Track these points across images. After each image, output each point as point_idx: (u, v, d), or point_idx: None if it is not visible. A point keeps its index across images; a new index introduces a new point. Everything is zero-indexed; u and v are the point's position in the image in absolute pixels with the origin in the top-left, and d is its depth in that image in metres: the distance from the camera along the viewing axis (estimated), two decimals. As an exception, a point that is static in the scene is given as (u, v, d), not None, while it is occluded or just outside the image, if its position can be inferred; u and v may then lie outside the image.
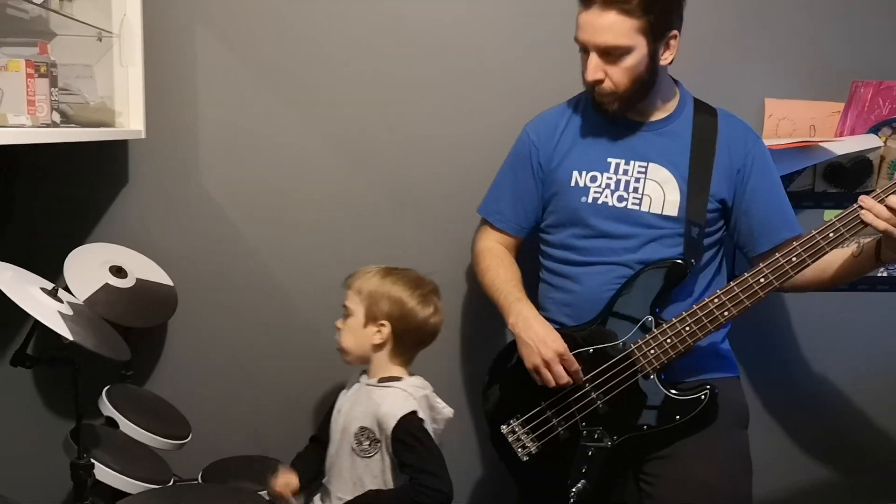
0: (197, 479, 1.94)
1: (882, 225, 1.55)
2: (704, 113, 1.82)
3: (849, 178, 2.18)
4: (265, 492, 1.85)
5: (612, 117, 1.78)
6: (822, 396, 2.33)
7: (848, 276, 1.75)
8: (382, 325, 1.78)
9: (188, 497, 1.60)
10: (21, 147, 1.98)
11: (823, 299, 2.24)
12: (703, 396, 1.70)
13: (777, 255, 1.66)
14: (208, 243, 2.14)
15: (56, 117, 1.65)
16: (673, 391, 1.72)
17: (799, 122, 2.15)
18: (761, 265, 1.67)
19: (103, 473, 1.66)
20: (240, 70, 2.09)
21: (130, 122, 1.96)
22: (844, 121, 2.12)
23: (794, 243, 1.65)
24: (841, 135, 2.13)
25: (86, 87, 1.84)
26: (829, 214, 2.20)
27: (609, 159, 1.80)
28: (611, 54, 1.68)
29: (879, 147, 2.12)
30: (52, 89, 1.62)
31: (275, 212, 2.15)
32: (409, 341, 1.81)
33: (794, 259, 1.64)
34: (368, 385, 1.80)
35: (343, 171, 2.15)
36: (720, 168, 1.78)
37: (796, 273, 1.65)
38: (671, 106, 1.82)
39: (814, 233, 1.64)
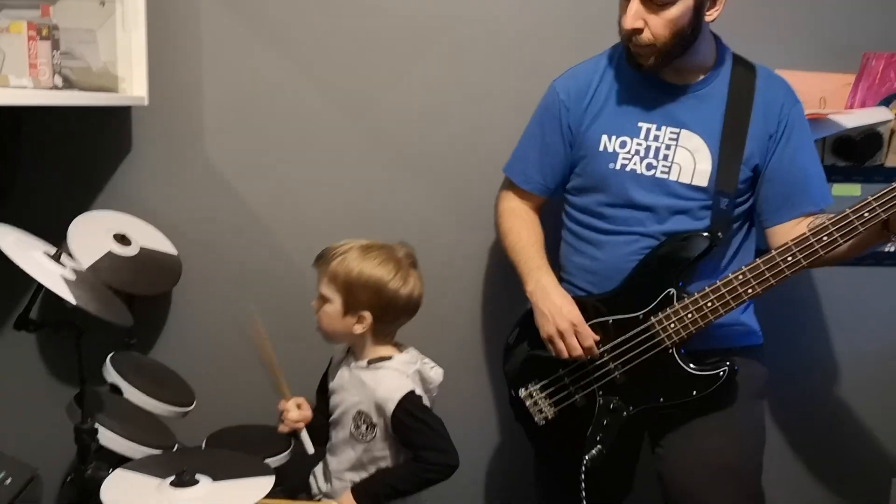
0: (201, 447, 1.95)
1: None
2: (743, 71, 1.75)
3: (858, 151, 2.15)
4: (274, 458, 1.87)
5: (645, 73, 1.71)
6: (836, 369, 2.32)
7: (856, 249, 1.66)
8: (363, 315, 1.73)
9: (193, 462, 1.59)
10: (24, 111, 1.97)
11: (839, 273, 2.24)
12: (721, 373, 1.67)
13: (807, 232, 1.60)
14: (213, 212, 2.13)
15: (58, 81, 1.64)
16: (691, 366, 1.69)
17: (809, 94, 2.11)
18: (790, 243, 1.61)
19: (107, 438, 1.67)
20: (245, 35, 2.07)
21: (133, 88, 1.94)
22: (855, 93, 2.10)
23: (827, 222, 1.58)
24: (851, 107, 2.10)
25: (88, 52, 1.83)
26: (838, 189, 2.19)
27: (640, 124, 1.74)
28: (654, 2, 1.61)
29: (890, 120, 2.10)
30: (55, 52, 1.62)
31: (280, 180, 2.14)
32: (392, 322, 1.78)
33: (825, 238, 1.58)
34: (358, 368, 1.78)
35: (352, 138, 2.13)
36: (755, 132, 1.71)
37: (826, 253, 1.59)
38: (709, 65, 1.75)
39: (847, 211, 1.57)
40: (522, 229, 1.87)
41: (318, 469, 1.87)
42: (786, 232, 1.71)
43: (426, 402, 1.75)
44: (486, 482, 2.33)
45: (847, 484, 2.39)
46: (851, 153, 2.16)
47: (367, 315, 1.72)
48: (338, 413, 1.79)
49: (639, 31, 1.63)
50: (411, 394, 1.71)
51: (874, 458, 2.37)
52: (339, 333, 1.77)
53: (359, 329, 1.74)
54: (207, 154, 2.11)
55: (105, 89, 1.87)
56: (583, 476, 1.73)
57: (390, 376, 1.74)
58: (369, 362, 1.77)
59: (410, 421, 1.70)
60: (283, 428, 1.85)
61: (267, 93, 2.10)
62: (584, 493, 1.72)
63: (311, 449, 1.82)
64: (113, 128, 2.07)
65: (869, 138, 2.14)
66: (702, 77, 1.74)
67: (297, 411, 1.83)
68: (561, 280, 1.86)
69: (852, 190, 2.17)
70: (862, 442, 2.36)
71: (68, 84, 1.71)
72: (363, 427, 1.74)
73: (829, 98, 2.12)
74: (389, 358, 1.76)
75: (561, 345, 1.72)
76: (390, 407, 1.70)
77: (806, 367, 2.32)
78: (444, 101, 2.13)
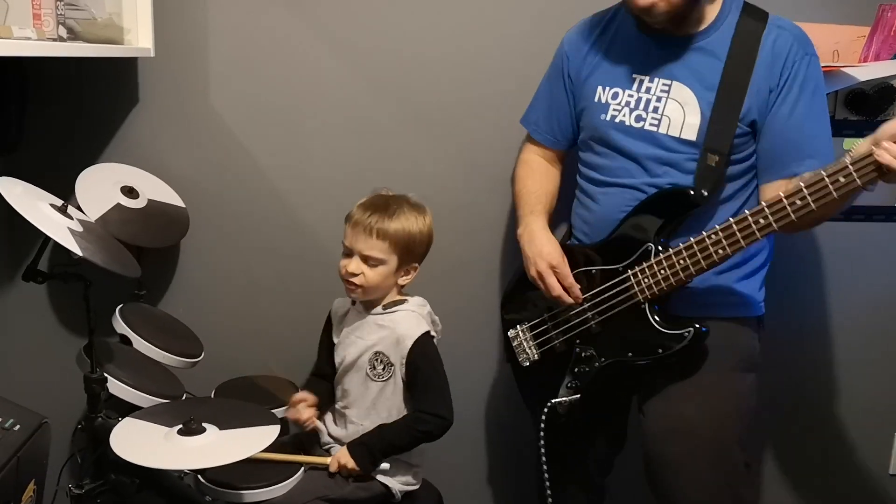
0: (209, 397, 1.98)
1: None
2: (751, 21, 1.65)
3: (870, 105, 2.13)
4: (281, 409, 1.90)
5: (650, 32, 1.68)
6: (834, 329, 2.33)
7: (833, 209, 1.53)
8: (414, 267, 1.82)
9: (200, 411, 1.63)
10: (29, 63, 1.97)
11: (843, 229, 2.23)
12: (685, 334, 1.63)
13: (781, 194, 1.51)
14: (220, 164, 2.13)
15: (63, 32, 1.63)
16: (659, 322, 1.66)
17: (822, 46, 2.07)
18: (763, 204, 1.53)
19: (116, 387, 1.69)
20: (250, -16, 2.05)
21: (139, 39, 1.93)
22: (869, 46, 2.06)
23: (802, 184, 1.48)
24: (865, 60, 2.07)
25: (93, 3, 1.80)
26: (849, 143, 2.16)
27: (634, 75, 1.72)
28: None
29: (904, 74, 2.06)
30: (58, 3, 1.61)
31: (287, 131, 2.12)
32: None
33: (797, 202, 1.49)
34: (374, 314, 1.83)
35: (359, 90, 2.11)
36: (756, 87, 1.63)
37: (798, 217, 1.50)
38: (711, 15, 1.67)
39: (823, 175, 1.46)
40: (528, 178, 1.91)
41: (327, 417, 1.91)
42: (774, 192, 1.62)
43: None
44: (486, 435, 2.36)
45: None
46: (864, 107, 2.13)
47: (417, 266, 1.82)
48: (350, 359, 1.83)
49: (653, 4, 1.57)
50: (427, 334, 1.79)
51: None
52: (383, 288, 1.81)
53: (405, 280, 1.82)
54: (214, 106, 2.10)
55: (110, 41, 1.85)
56: (543, 418, 1.76)
57: (409, 317, 1.81)
58: (385, 307, 1.82)
59: (423, 361, 1.77)
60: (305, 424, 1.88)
61: (273, 43, 2.08)
62: (542, 435, 1.75)
63: (326, 435, 1.88)
64: (119, 80, 2.06)
65: (882, 92, 2.11)
66: (702, 27, 1.67)
67: (307, 411, 1.86)
68: (570, 235, 1.89)
69: (864, 145, 2.15)
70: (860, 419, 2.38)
71: (73, 35, 1.70)
72: (379, 367, 1.79)
73: (843, 50, 2.08)
74: (405, 301, 1.84)
75: (542, 285, 1.76)
76: (408, 344, 1.77)
77: (804, 330, 2.32)
78: (455, 51, 2.11)
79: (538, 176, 1.91)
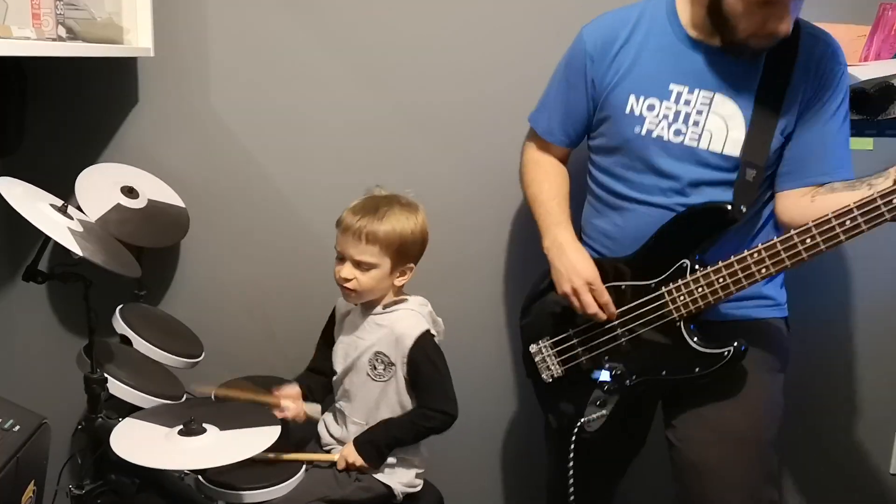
0: (209, 398, 1.97)
1: None
2: None
3: (872, 104, 2.12)
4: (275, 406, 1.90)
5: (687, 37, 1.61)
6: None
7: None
8: (409, 267, 1.80)
9: (200, 412, 1.63)
10: (29, 63, 1.96)
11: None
12: (725, 353, 1.58)
13: (830, 214, 1.45)
14: (220, 164, 2.12)
15: (62, 32, 1.63)
16: (697, 342, 1.61)
17: (823, 45, 2.09)
18: (810, 224, 1.47)
19: (116, 388, 1.70)
20: (250, -17, 2.05)
21: (139, 39, 1.93)
22: (870, 45, 2.07)
23: (852, 204, 1.43)
24: (866, 59, 2.07)
25: (93, 3, 1.80)
26: (851, 142, 2.16)
27: (671, 86, 1.63)
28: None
29: (905, 73, 2.06)
30: (58, 3, 1.61)
31: (288, 131, 2.12)
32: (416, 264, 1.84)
33: (847, 223, 1.43)
34: (374, 314, 1.82)
35: (359, 91, 2.11)
36: (793, 96, 1.59)
37: (848, 238, 1.45)
38: None
39: (875, 195, 1.41)
40: (545, 181, 1.82)
41: (328, 417, 1.91)
42: (793, 200, 1.63)
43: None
44: (487, 436, 2.36)
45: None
46: (865, 106, 2.13)
47: (413, 265, 1.80)
48: (351, 359, 1.83)
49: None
50: (427, 332, 1.78)
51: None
52: (379, 290, 1.80)
53: (402, 281, 1.81)
54: (214, 105, 2.09)
55: (110, 41, 1.85)
56: (573, 437, 1.70)
57: (408, 316, 1.80)
58: (385, 306, 1.82)
59: (424, 359, 1.77)
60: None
61: (273, 43, 2.07)
62: (571, 454, 1.69)
63: (318, 417, 1.88)
64: (119, 80, 2.06)
65: (883, 91, 2.10)
66: None
67: (293, 407, 1.82)
68: (581, 242, 1.83)
69: (865, 144, 2.15)
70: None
71: (72, 35, 1.69)
72: (380, 368, 1.79)
73: (844, 50, 2.06)
74: (405, 300, 1.83)
75: (576, 302, 1.69)
76: (408, 343, 1.76)
77: (802, 330, 2.29)
78: (455, 51, 2.10)
79: (552, 178, 1.83)
